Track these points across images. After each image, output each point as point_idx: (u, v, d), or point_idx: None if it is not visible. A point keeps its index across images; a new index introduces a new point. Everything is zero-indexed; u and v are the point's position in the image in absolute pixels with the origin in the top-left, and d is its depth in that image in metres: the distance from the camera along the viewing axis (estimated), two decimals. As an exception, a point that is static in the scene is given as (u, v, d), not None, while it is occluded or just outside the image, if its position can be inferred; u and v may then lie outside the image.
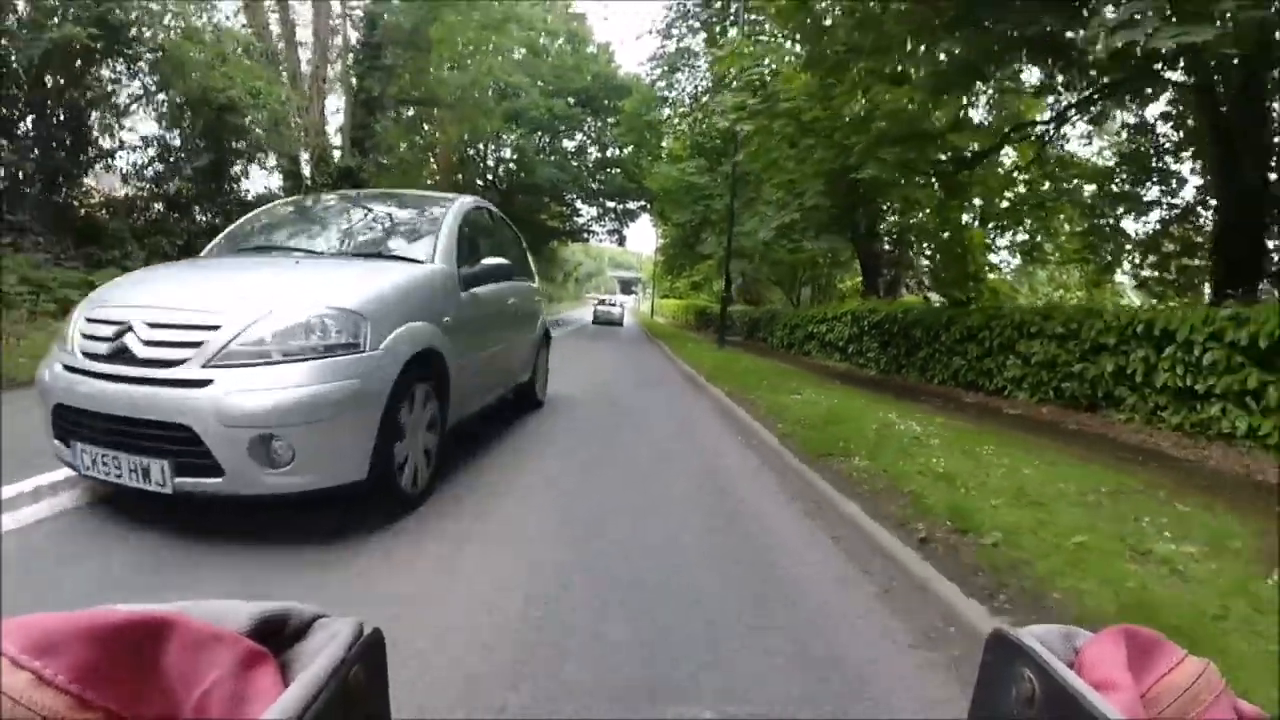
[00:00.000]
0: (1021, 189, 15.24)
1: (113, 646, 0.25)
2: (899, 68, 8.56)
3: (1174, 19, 5.56)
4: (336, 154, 15.68)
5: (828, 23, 7.61)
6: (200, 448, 2.43)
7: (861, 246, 17.54)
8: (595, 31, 33.24)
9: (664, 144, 24.96)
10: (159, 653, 0.27)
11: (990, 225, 16.79)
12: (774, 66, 9.84)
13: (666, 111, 24.05)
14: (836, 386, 8.98)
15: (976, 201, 15.23)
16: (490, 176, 29.01)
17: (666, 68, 23.72)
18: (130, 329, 2.60)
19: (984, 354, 9.43)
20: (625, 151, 28.98)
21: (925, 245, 18.44)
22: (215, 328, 2.57)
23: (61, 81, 9.21)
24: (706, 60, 18.47)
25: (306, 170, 14.51)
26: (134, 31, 9.26)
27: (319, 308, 2.72)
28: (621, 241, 42.27)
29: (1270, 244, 9.50)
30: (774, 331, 19.88)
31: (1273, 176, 8.77)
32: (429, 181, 21.66)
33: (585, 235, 40.67)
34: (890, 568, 2.78)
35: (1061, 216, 15.55)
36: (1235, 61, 7.27)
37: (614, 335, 21.80)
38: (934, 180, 11.40)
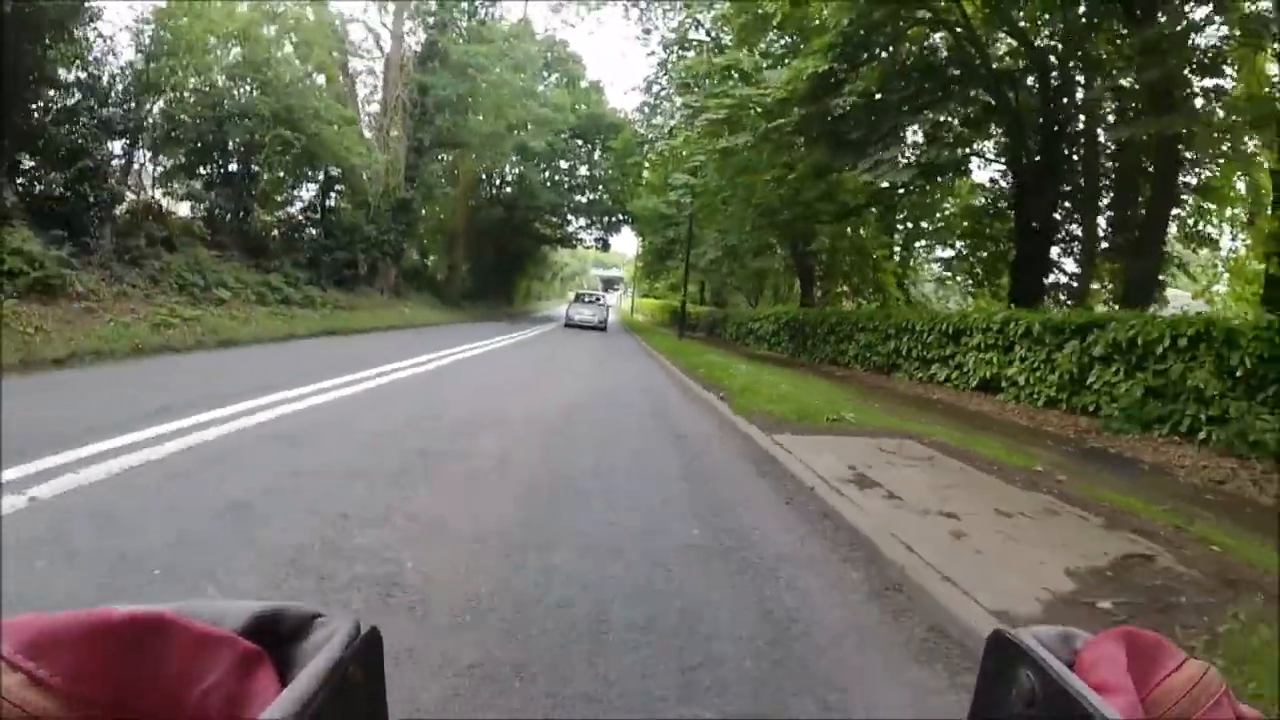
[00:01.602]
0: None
1: (110, 647, 0.26)
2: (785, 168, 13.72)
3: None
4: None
5: (739, 141, 12.73)
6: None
7: (799, 262, 23.00)
8: (587, 70, 37.98)
9: (643, 175, 30.16)
10: (156, 653, 0.27)
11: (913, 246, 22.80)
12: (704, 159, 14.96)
13: (646, 148, 29.21)
14: (747, 360, 14.20)
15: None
16: (498, 195, 34.14)
17: (647, 110, 29.06)
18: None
19: (839, 340, 14.78)
20: (612, 178, 34.10)
21: (843, 261, 23.78)
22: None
23: (244, 150, 14.24)
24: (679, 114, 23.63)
25: (372, 201, 19.27)
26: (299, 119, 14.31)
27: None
28: (606, 248, 47.53)
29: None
30: (726, 328, 25.24)
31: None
32: (441, 194, 26.83)
33: (574, 242, 45.66)
34: (712, 404, 8.04)
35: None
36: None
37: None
38: (824, 222, 16.78)
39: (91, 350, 7.59)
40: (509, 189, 34.22)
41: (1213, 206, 14.04)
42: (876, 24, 10.82)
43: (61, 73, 9.88)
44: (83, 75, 10.15)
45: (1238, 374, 6.23)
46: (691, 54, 22.18)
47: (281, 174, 15.40)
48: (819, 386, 9.96)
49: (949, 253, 20.96)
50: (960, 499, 3.88)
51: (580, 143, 35.61)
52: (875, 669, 2.19)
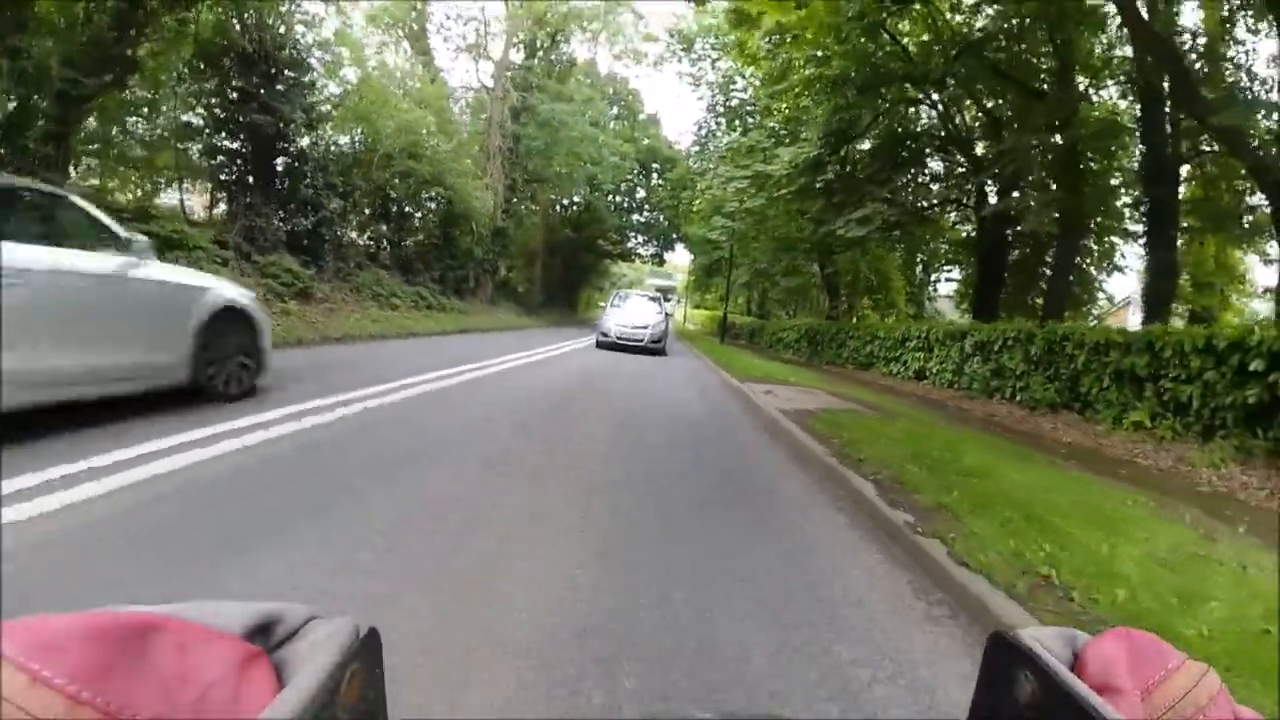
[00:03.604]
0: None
1: (111, 648, 0.26)
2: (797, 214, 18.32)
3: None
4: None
5: (758, 202, 17.44)
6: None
7: (826, 280, 27.53)
8: (645, 104, 42.97)
9: (695, 204, 34.94)
10: (156, 654, 0.27)
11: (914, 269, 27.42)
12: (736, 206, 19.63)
13: (696, 181, 34.09)
14: (770, 360, 18.77)
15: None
16: (568, 218, 39.40)
17: (698, 148, 33.92)
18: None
19: (838, 346, 19.29)
20: (667, 205, 39.04)
21: (862, 281, 28.28)
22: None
23: (403, 198, 19.42)
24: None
25: (477, 229, 24.41)
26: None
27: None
28: (661, 263, 52.52)
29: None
30: (763, 336, 29.80)
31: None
32: (531, 224, 32.09)
33: (632, 257, 50.69)
34: (722, 375, 12.75)
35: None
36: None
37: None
38: (835, 252, 21.39)
39: (346, 334, 12.70)
40: (578, 213, 39.43)
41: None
42: (855, 110, 15.35)
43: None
44: (305, 145, 15.19)
45: (1033, 359, 10.63)
46: (735, 100, 27.39)
47: (425, 214, 20.64)
48: (795, 371, 14.56)
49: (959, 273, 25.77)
50: (802, 400, 8.58)
51: (639, 170, 40.74)
52: (747, 426, 6.98)
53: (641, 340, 16.94)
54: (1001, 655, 0.38)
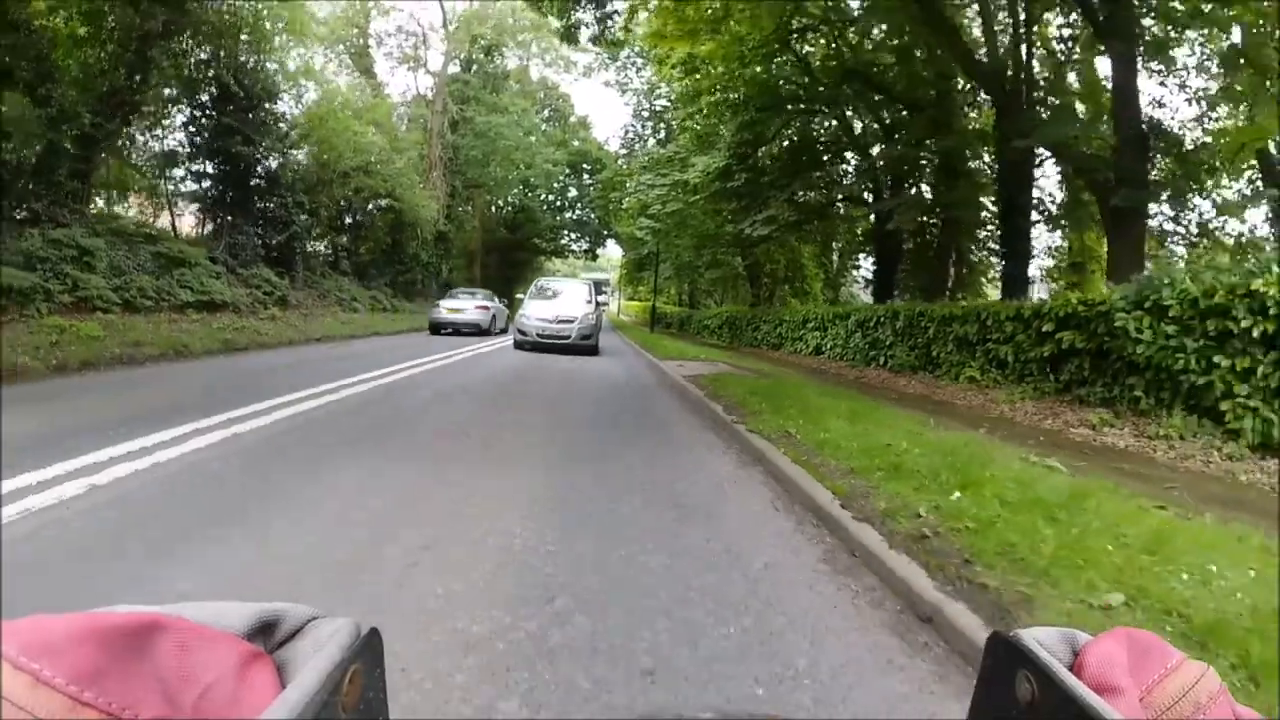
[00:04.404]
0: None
1: (112, 648, 0.26)
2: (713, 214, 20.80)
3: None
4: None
5: (676, 207, 19.81)
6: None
7: (748, 271, 30.19)
8: (575, 106, 45.04)
9: (624, 203, 37.33)
10: (157, 654, 0.27)
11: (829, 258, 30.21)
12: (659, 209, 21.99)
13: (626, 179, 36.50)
14: (694, 345, 21.20)
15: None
16: (504, 219, 41.29)
17: (626, 150, 36.26)
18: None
19: (753, 330, 21.87)
20: (598, 204, 41.28)
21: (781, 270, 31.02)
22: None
23: (357, 210, 21.19)
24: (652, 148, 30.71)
25: (422, 234, 26.23)
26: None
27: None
28: (594, 258, 54.73)
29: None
30: (691, 324, 32.36)
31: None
32: (470, 227, 33.92)
33: (566, 253, 52.75)
34: (645, 356, 15.12)
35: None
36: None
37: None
38: (751, 245, 23.97)
39: (325, 335, 14.60)
40: (513, 214, 41.36)
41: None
42: (759, 127, 17.83)
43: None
44: (273, 166, 16.92)
45: (898, 331, 13.22)
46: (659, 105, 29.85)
47: (376, 224, 22.46)
48: (708, 351, 17.02)
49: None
50: (701, 369, 11.02)
51: (570, 171, 42.89)
52: (656, 386, 9.41)
53: (568, 336, 14.59)
54: (1001, 655, 0.38)
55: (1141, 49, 12.93)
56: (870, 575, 2.87)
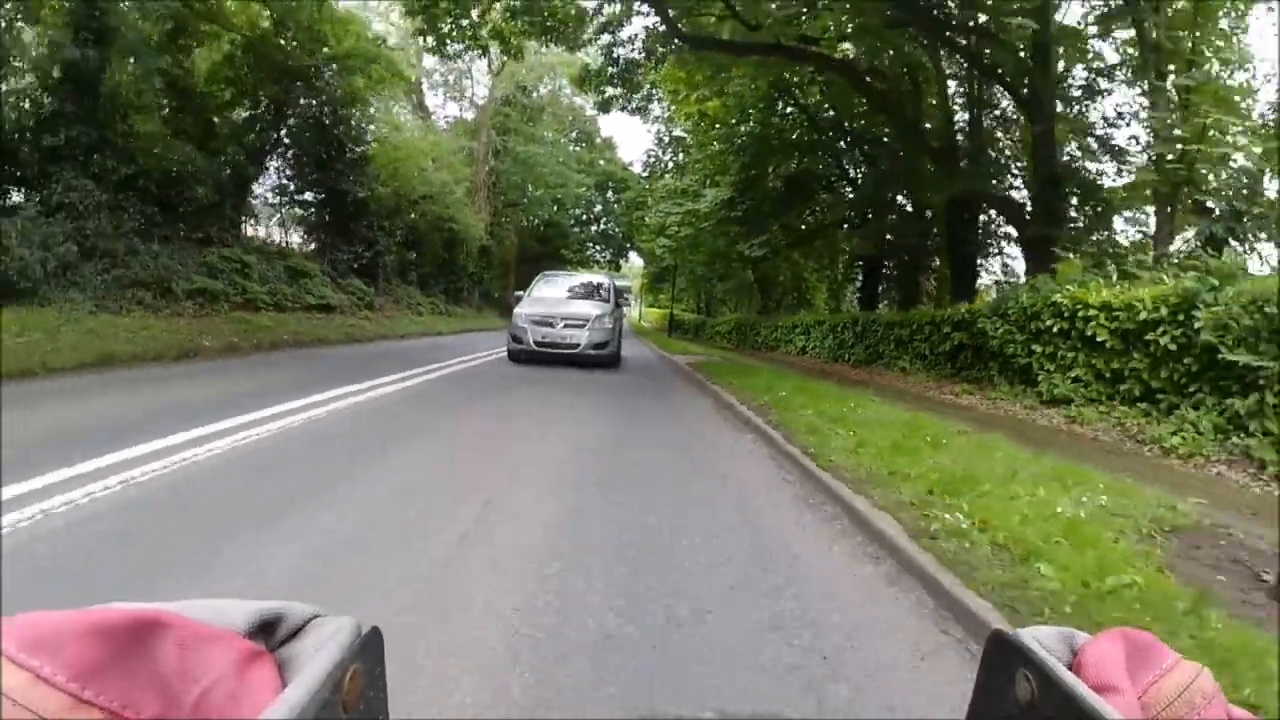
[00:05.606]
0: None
1: (112, 645, 0.26)
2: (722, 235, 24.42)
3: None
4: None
5: (688, 231, 23.47)
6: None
7: (758, 283, 33.82)
8: (601, 128, 48.86)
9: (647, 220, 41.15)
10: (158, 652, 0.27)
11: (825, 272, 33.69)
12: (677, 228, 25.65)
13: (647, 197, 40.31)
14: (704, 346, 24.78)
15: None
16: (537, 233, 45.26)
17: (648, 172, 40.04)
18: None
19: (755, 335, 25.45)
20: (622, 219, 45.07)
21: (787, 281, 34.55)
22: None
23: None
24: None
25: (468, 248, 30.06)
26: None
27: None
28: (618, 268, 58.60)
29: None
30: (705, 330, 36.01)
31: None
32: (509, 242, 37.84)
33: (592, 263, 56.62)
34: (660, 352, 18.72)
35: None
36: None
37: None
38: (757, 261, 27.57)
39: (407, 333, 18.32)
40: (544, 228, 45.28)
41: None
42: (759, 167, 21.43)
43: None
44: (360, 196, 20.69)
45: (857, 334, 16.68)
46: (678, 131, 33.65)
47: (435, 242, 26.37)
48: (711, 350, 20.58)
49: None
50: (699, 359, 14.56)
51: (597, 189, 46.85)
52: (663, 369, 13.02)
53: (577, 345, 11.91)
54: (1000, 655, 0.38)
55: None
56: (755, 432, 6.54)
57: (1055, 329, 9.17)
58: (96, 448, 3.96)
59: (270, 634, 0.32)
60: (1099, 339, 8.17)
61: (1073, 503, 3.77)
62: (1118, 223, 17.48)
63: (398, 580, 2.61)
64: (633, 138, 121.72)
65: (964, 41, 15.14)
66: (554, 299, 12.88)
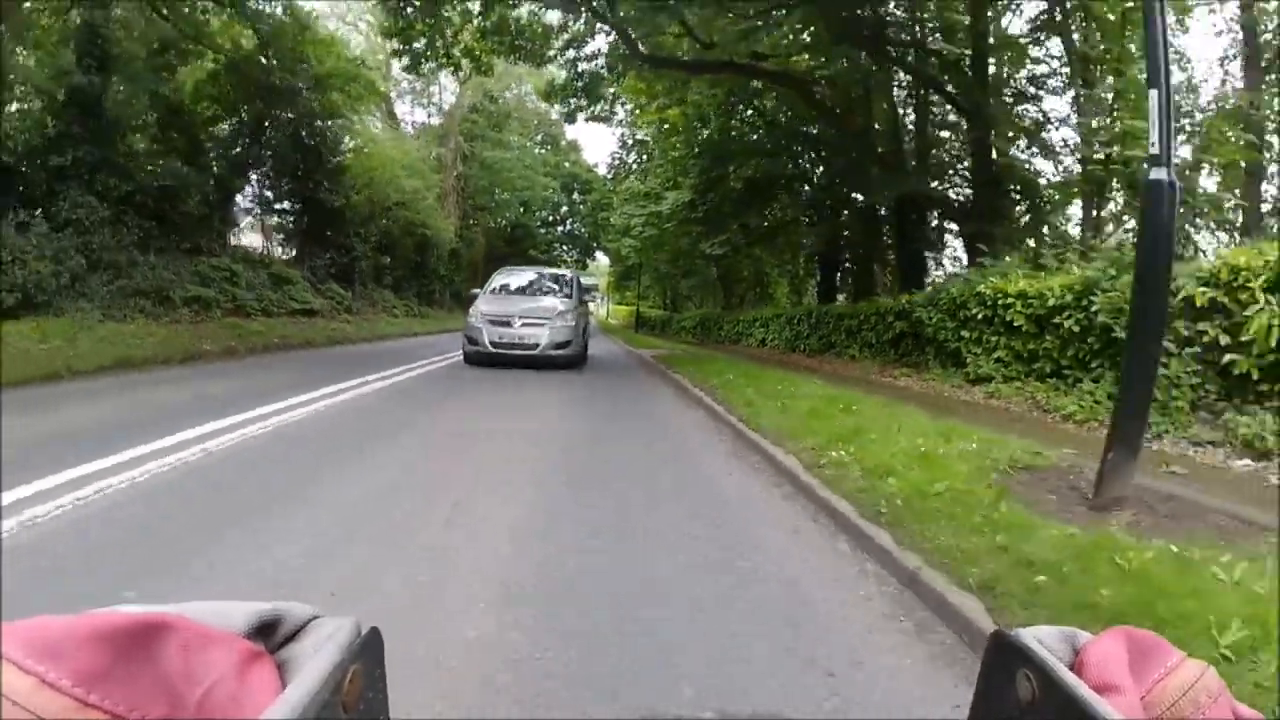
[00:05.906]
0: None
1: (117, 649, 0.26)
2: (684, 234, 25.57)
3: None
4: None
5: (651, 233, 24.57)
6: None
7: (721, 279, 35.05)
8: (566, 132, 49.80)
9: (612, 220, 42.21)
10: (162, 654, 0.28)
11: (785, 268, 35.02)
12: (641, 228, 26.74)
13: (612, 198, 41.37)
14: (669, 341, 25.91)
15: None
16: (504, 234, 46.11)
17: (612, 174, 41.10)
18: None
19: (718, 329, 26.64)
20: (588, 219, 46.09)
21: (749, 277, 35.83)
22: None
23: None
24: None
25: (438, 252, 30.86)
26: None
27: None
28: (584, 266, 59.60)
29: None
30: (670, 326, 37.17)
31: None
32: (477, 244, 38.68)
33: (559, 263, 57.52)
34: (626, 347, 19.81)
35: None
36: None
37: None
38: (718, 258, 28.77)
39: (384, 334, 19.18)
40: (511, 230, 46.16)
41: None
42: (718, 170, 22.59)
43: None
44: (336, 204, 21.46)
45: (811, 325, 17.89)
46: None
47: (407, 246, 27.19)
48: (674, 345, 21.71)
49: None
50: (661, 351, 15.69)
51: (562, 190, 47.84)
52: (629, 362, 14.14)
53: (535, 346, 11.30)
54: (1001, 655, 0.38)
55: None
56: (704, 410, 7.67)
57: (980, 316, 10.26)
58: (129, 439, 4.58)
59: (270, 635, 0.33)
60: (1016, 324, 9.29)
61: (944, 447, 4.93)
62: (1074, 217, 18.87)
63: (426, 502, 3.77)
64: (598, 140, 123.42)
65: (907, 57, 16.38)
66: (512, 295, 12.39)
